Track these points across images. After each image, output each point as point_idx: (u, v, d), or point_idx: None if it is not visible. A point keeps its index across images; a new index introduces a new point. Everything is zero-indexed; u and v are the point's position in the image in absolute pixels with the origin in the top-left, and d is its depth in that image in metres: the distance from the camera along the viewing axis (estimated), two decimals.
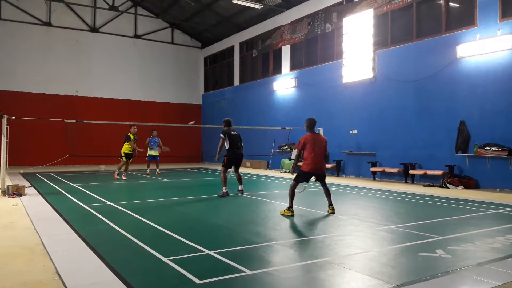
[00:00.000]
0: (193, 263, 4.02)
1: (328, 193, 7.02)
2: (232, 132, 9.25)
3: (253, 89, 20.40)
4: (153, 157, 14.73)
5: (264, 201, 8.56)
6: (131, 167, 13.93)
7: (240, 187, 9.39)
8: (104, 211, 6.96)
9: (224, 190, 8.95)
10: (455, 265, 3.96)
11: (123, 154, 12.99)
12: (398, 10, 13.33)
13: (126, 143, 12.97)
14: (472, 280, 3.61)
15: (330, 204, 6.92)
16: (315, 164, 6.83)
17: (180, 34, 24.37)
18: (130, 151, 13.00)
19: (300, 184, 7.01)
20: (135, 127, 13.27)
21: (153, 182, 12.59)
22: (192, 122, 14.85)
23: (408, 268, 3.92)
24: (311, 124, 7.06)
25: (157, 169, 14.97)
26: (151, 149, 14.61)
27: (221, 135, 9.14)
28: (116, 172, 13.27)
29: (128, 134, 13.05)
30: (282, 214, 6.80)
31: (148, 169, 15.13)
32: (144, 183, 12.20)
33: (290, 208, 6.78)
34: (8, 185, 9.09)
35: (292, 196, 6.86)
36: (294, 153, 16.72)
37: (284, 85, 18.12)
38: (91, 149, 19.10)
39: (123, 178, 12.90)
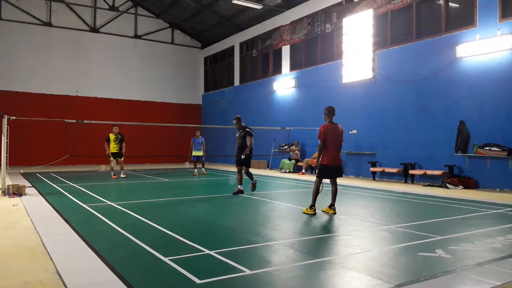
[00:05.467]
0: (193, 263, 4.03)
1: (335, 193, 6.83)
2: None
3: (253, 89, 20.40)
4: (197, 157, 15.06)
5: (264, 201, 8.57)
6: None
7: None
8: (104, 211, 6.96)
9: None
10: (455, 265, 3.97)
11: (110, 154, 13.37)
12: (398, 10, 13.33)
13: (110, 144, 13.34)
14: (472, 280, 3.61)
15: (333, 205, 6.80)
16: (334, 156, 6.71)
17: (180, 34, 24.37)
18: (117, 150, 13.34)
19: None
20: (117, 127, 13.54)
21: (153, 182, 12.59)
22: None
23: (408, 268, 3.93)
24: (331, 112, 6.81)
25: (203, 169, 15.41)
26: (195, 149, 14.98)
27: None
28: (112, 173, 13.56)
29: (109, 134, 13.40)
30: (304, 213, 6.81)
31: (195, 170, 15.42)
32: (144, 183, 12.19)
33: (312, 206, 6.73)
34: (8, 185, 9.08)
35: (316, 193, 6.73)
36: (294, 153, 16.75)
37: (284, 85, 18.11)
38: (91, 149, 19.08)
39: (114, 177, 13.29)
